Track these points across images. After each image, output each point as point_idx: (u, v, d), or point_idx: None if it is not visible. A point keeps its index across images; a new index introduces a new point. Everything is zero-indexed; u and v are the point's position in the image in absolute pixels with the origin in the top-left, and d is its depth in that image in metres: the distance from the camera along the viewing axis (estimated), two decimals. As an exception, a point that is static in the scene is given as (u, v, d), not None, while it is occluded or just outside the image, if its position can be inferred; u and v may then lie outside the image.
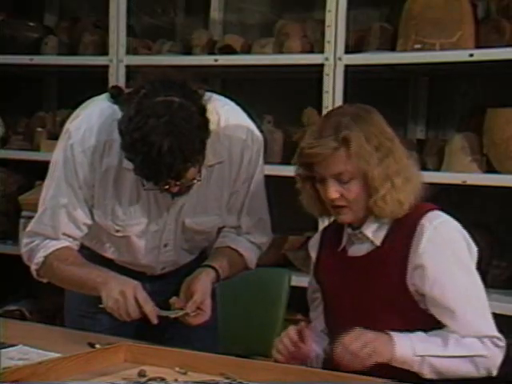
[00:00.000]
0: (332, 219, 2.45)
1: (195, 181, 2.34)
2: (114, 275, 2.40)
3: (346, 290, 2.32)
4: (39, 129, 4.10)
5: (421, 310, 2.24)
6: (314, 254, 2.46)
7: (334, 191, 2.22)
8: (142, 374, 2.12)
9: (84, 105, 2.53)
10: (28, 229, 2.53)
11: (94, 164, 2.41)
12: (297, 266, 3.45)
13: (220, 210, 2.55)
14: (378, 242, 2.28)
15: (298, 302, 3.05)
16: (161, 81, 2.27)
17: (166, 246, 2.55)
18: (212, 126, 2.31)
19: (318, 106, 3.37)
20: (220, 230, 2.61)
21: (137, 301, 2.31)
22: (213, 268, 2.47)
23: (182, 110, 2.22)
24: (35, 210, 3.83)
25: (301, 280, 3.23)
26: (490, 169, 3.16)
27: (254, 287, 2.75)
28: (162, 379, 2.07)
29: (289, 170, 3.28)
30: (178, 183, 2.29)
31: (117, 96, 2.40)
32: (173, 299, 2.40)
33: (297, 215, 2.86)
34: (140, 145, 2.18)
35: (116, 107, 2.36)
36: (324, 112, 3.32)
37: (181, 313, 2.39)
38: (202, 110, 2.27)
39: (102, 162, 2.41)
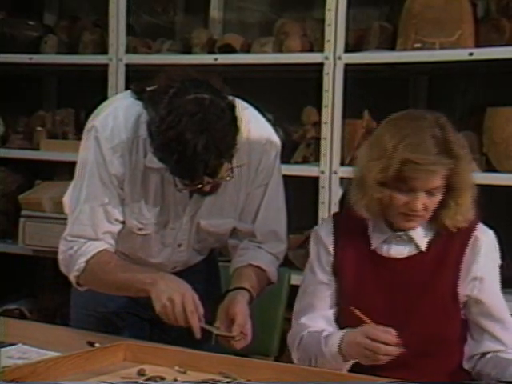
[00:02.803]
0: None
1: (227, 178, 2.34)
2: (162, 275, 2.36)
3: (378, 288, 2.26)
4: (39, 128, 4.10)
5: (459, 318, 2.27)
6: (330, 246, 2.35)
7: (421, 203, 2.15)
8: (141, 373, 2.12)
9: (106, 103, 2.53)
10: (65, 233, 2.48)
11: (124, 161, 2.40)
12: (297, 264, 3.45)
13: (235, 213, 2.55)
14: (423, 247, 2.25)
15: (298, 301, 3.06)
16: (189, 79, 2.28)
17: (179, 245, 2.55)
18: (241, 128, 2.31)
19: (318, 104, 3.38)
20: (233, 231, 2.59)
21: (184, 310, 2.29)
22: (245, 289, 2.44)
23: (213, 106, 2.22)
24: (35, 209, 3.88)
25: (300, 279, 3.23)
26: (489, 168, 3.17)
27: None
28: (162, 378, 2.07)
29: (288, 169, 3.32)
30: (211, 181, 2.28)
31: (140, 93, 2.39)
32: (217, 323, 2.38)
33: (296, 214, 2.87)
34: (175, 144, 2.18)
35: (140, 103, 2.36)
36: (324, 111, 3.33)
37: (226, 334, 2.37)
38: (232, 107, 2.28)
39: (131, 159, 2.41)
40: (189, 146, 2.17)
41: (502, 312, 2.29)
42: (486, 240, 2.27)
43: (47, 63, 4.07)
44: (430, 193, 2.15)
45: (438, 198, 2.18)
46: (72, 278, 2.46)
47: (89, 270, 2.43)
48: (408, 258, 2.26)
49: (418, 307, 2.23)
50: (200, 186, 2.29)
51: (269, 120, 2.68)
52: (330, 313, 2.33)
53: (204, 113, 2.20)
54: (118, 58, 3.76)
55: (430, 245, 2.26)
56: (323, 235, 2.37)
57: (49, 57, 4.02)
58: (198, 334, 2.29)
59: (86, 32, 3.99)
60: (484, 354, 2.28)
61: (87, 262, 2.42)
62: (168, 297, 2.28)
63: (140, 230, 2.48)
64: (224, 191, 2.47)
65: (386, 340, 2.06)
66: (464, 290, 2.25)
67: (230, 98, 2.30)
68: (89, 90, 2.61)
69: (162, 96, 2.25)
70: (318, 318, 2.33)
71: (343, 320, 2.30)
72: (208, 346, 2.35)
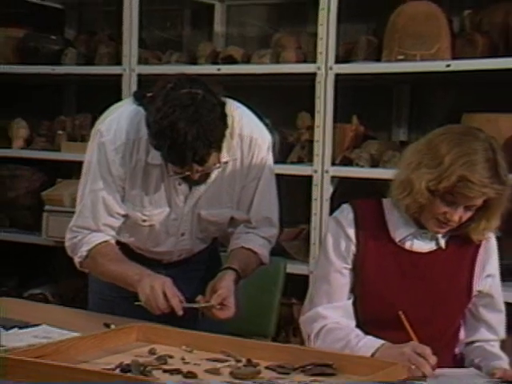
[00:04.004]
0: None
1: (214, 168, 2.36)
2: (148, 273, 2.38)
3: (402, 281, 2.20)
4: (60, 131, 4.10)
5: (467, 309, 2.28)
6: (353, 235, 2.23)
7: (458, 216, 2.11)
8: (152, 352, 2.12)
9: (111, 109, 2.54)
10: (71, 224, 2.52)
11: (125, 160, 2.42)
12: (292, 254, 3.45)
13: (232, 203, 2.54)
14: (443, 245, 2.22)
15: (293, 287, 3.07)
16: (185, 77, 2.32)
17: (183, 234, 2.55)
18: (229, 124, 2.33)
19: (311, 110, 3.38)
20: (232, 221, 2.59)
21: (165, 295, 2.31)
22: (233, 269, 2.44)
23: (205, 101, 2.24)
24: (56, 205, 3.89)
25: (295, 267, 3.25)
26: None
27: (254, 274, 2.74)
28: (170, 356, 2.08)
29: (285, 169, 3.33)
30: (199, 169, 2.30)
31: (141, 99, 2.42)
32: (198, 297, 2.38)
33: (292, 209, 2.88)
34: (168, 131, 2.21)
35: (141, 109, 2.38)
36: (317, 116, 3.33)
37: (205, 304, 2.36)
38: (222, 104, 2.30)
39: (132, 158, 2.42)
40: (180, 134, 2.19)
41: (502, 305, 2.30)
42: (494, 241, 2.27)
43: (67, 73, 4.07)
44: (468, 208, 2.11)
45: (472, 212, 2.13)
46: (76, 262, 2.51)
47: (90, 258, 2.47)
48: (429, 254, 2.22)
49: (438, 301, 2.20)
50: (189, 173, 2.31)
51: (266, 124, 2.69)
52: (349, 304, 2.24)
53: (196, 106, 2.22)
54: (130, 68, 3.76)
55: (448, 243, 2.23)
56: (345, 223, 2.25)
57: (69, 68, 4.02)
58: (179, 312, 2.31)
59: (101, 45, 3.99)
60: (473, 342, 2.29)
61: (89, 250, 2.46)
62: (150, 286, 2.31)
63: (144, 221, 2.49)
64: (221, 184, 2.48)
65: (429, 359, 1.99)
66: (478, 285, 2.24)
67: (222, 97, 2.32)
68: (104, 98, 2.61)
69: (160, 91, 2.28)
70: (336, 309, 2.23)
71: (362, 310, 2.24)
72: (210, 328, 2.36)
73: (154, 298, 2.30)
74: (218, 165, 2.37)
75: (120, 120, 2.43)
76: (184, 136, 2.19)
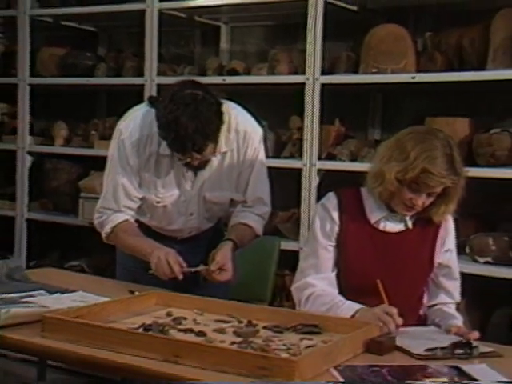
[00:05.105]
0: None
1: (211, 156, 2.38)
2: (158, 246, 2.40)
3: (376, 256, 2.19)
4: (93, 132, 4.09)
5: (429, 278, 2.27)
6: (336, 218, 2.22)
7: (421, 201, 2.12)
8: (169, 314, 2.12)
9: (130, 111, 2.55)
10: (97, 206, 2.54)
11: (140, 152, 2.44)
12: (285, 234, 3.44)
13: (231, 186, 2.55)
14: (410, 226, 2.22)
15: (286, 261, 3.07)
16: (189, 82, 2.35)
17: (191, 214, 2.56)
18: (225, 120, 2.34)
19: (301, 114, 3.36)
20: (232, 202, 2.59)
21: (168, 263, 2.32)
22: (231, 240, 2.46)
23: (204, 100, 2.26)
24: (90, 192, 3.88)
25: (288, 245, 3.24)
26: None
27: (254, 250, 2.74)
28: (184, 318, 2.08)
29: (278, 163, 3.32)
30: (198, 157, 2.31)
31: (154, 102, 2.43)
32: (200, 265, 2.40)
33: (284, 197, 2.87)
34: (173, 125, 2.23)
35: (153, 109, 2.39)
36: (305, 119, 3.31)
37: (203, 267, 2.38)
38: (219, 104, 2.31)
39: (146, 150, 2.44)
40: (182, 127, 2.21)
41: (458, 274, 2.30)
42: (451, 222, 2.27)
43: (99, 84, 4.06)
44: (429, 195, 2.12)
45: (433, 198, 2.14)
46: (103, 237, 2.53)
47: (113, 234, 2.50)
48: (399, 233, 2.22)
49: (405, 271, 2.20)
50: (189, 159, 2.32)
51: (262, 126, 2.68)
52: (333, 275, 2.23)
53: (196, 104, 2.23)
54: (151, 79, 3.74)
55: (414, 224, 2.22)
56: (331, 208, 2.24)
57: (100, 79, 4.00)
58: (179, 276, 2.33)
59: (127, 60, 3.97)
60: (434, 305, 2.29)
61: (113, 228, 2.49)
62: (157, 256, 2.34)
63: (158, 202, 2.51)
64: (221, 170, 2.50)
65: (396, 318, 2.00)
66: (438, 258, 2.24)
67: (222, 100, 2.34)
68: (130, 104, 2.60)
69: (168, 93, 2.30)
70: (322, 280, 2.22)
71: (344, 280, 2.23)
72: (218, 295, 2.35)
73: (160, 266, 2.33)
74: (215, 154, 2.39)
75: (136, 120, 2.46)
76: (185, 129, 2.21)
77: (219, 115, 2.30)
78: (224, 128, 2.36)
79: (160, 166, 2.46)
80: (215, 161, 2.47)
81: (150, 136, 2.42)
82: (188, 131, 2.21)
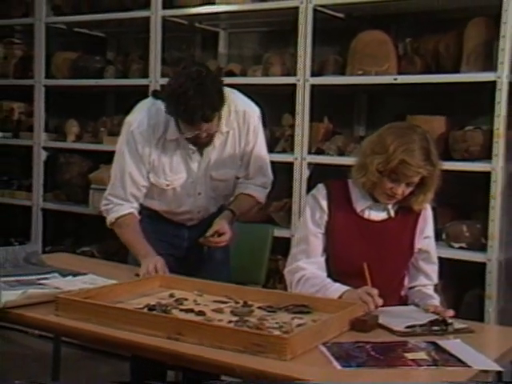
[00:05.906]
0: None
1: (216, 130, 2.37)
2: (151, 254, 2.40)
3: (361, 242, 2.18)
4: (102, 129, 4.07)
5: (410, 262, 2.26)
6: (325, 207, 2.21)
7: (401, 190, 2.11)
8: (171, 296, 2.12)
9: (138, 105, 2.54)
10: (105, 193, 2.53)
11: (149, 140, 2.44)
12: (278, 222, 3.44)
13: (234, 164, 2.55)
14: (392, 214, 2.21)
15: (278, 247, 3.07)
16: (193, 62, 2.43)
17: (199, 194, 2.55)
18: (226, 100, 2.34)
19: (293, 112, 3.36)
20: (236, 180, 2.60)
21: (156, 270, 2.34)
22: (229, 209, 2.50)
23: (208, 76, 2.28)
24: (100, 184, 3.86)
25: (280, 232, 3.24)
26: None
27: (250, 237, 2.74)
28: (185, 299, 2.08)
29: (272, 157, 3.27)
30: (206, 127, 2.30)
31: (158, 95, 2.44)
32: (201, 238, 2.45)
33: (278, 188, 2.86)
34: (182, 97, 2.22)
35: (156, 101, 2.40)
36: (297, 117, 3.30)
37: (202, 238, 2.42)
38: (221, 82, 2.33)
39: (154, 137, 2.44)
40: (191, 99, 2.21)
41: (436, 258, 2.29)
42: (430, 210, 2.26)
43: (108, 85, 4.04)
44: (408, 184, 2.11)
45: (412, 188, 2.13)
46: (108, 223, 2.52)
47: (116, 224, 2.49)
48: (382, 221, 2.21)
49: (388, 256, 2.19)
50: (198, 131, 2.31)
51: (260, 107, 2.67)
52: (322, 260, 2.22)
53: (201, 79, 2.24)
54: (155, 80, 3.73)
55: (396, 213, 2.22)
56: (320, 198, 2.23)
57: (109, 80, 3.98)
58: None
59: (134, 63, 3.95)
60: (414, 287, 2.29)
61: (116, 218, 2.48)
62: (147, 265, 2.35)
63: (168, 185, 2.50)
64: (224, 149, 2.49)
65: (376, 299, 2.01)
66: (418, 244, 2.24)
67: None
68: (136, 103, 2.59)
69: (174, 72, 2.33)
70: (312, 264, 2.21)
71: (332, 264, 2.22)
72: (216, 277, 2.35)
73: (148, 275, 2.33)
74: (219, 129, 2.38)
75: (142, 111, 2.46)
76: (194, 100, 2.21)
77: (222, 92, 2.31)
78: (225, 109, 2.37)
79: (167, 150, 2.46)
80: (218, 141, 2.47)
81: (157, 124, 2.43)
82: (197, 102, 2.21)
